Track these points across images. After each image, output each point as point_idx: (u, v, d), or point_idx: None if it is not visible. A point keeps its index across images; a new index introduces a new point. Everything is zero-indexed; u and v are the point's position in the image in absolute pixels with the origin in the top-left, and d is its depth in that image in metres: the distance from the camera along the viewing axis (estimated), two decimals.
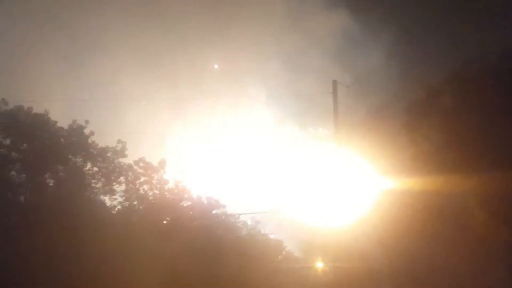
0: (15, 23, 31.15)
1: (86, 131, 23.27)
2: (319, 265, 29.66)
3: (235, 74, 35.85)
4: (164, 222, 25.10)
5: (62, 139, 22.88)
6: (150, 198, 24.91)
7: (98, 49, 33.19)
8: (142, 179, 24.76)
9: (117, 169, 24.03)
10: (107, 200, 24.14)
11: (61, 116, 23.36)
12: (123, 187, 24.38)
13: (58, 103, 24.90)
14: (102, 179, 23.81)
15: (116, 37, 33.14)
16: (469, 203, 23.11)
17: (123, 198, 24.29)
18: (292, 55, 36.84)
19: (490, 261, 22.09)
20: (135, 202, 24.60)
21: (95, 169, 23.64)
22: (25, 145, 22.07)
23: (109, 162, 23.82)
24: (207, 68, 36.81)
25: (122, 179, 24.29)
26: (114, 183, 24.09)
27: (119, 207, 24.40)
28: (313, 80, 34.53)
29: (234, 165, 32.41)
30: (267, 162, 33.28)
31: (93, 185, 23.60)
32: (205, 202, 27.23)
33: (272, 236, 31.39)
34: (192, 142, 32.57)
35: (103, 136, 24.00)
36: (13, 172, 21.99)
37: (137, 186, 24.60)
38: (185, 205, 26.27)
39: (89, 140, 23.35)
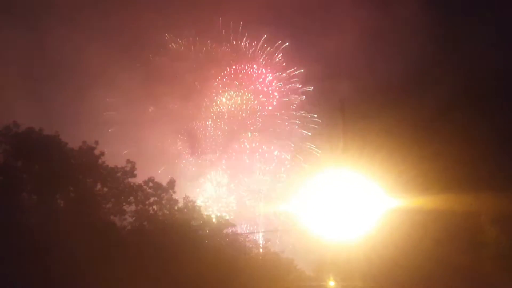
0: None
1: (96, 152, 23.37)
2: (331, 284, 29.31)
3: None
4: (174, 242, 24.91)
5: (72, 160, 22.87)
6: (160, 218, 24.83)
7: None
8: (152, 199, 24.76)
9: (126, 190, 24.04)
10: (117, 220, 24.09)
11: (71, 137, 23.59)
12: (133, 207, 24.36)
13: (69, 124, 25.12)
14: (112, 200, 23.78)
15: None
16: (481, 221, 22.70)
17: (133, 218, 24.23)
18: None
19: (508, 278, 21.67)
20: (145, 223, 24.54)
21: (105, 189, 23.67)
22: (36, 166, 22.02)
23: (119, 183, 23.83)
24: None
25: (131, 199, 24.26)
26: (124, 204, 24.08)
27: (129, 227, 24.33)
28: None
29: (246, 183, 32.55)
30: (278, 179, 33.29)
31: (103, 205, 23.61)
32: (215, 221, 27.16)
33: (282, 255, 31.11)
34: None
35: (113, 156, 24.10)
36: (24, 194, 22.00)
37: (146, 207, 24.57)
38: (194, 224, 26.14)
39: (99, 161, 23.44)
